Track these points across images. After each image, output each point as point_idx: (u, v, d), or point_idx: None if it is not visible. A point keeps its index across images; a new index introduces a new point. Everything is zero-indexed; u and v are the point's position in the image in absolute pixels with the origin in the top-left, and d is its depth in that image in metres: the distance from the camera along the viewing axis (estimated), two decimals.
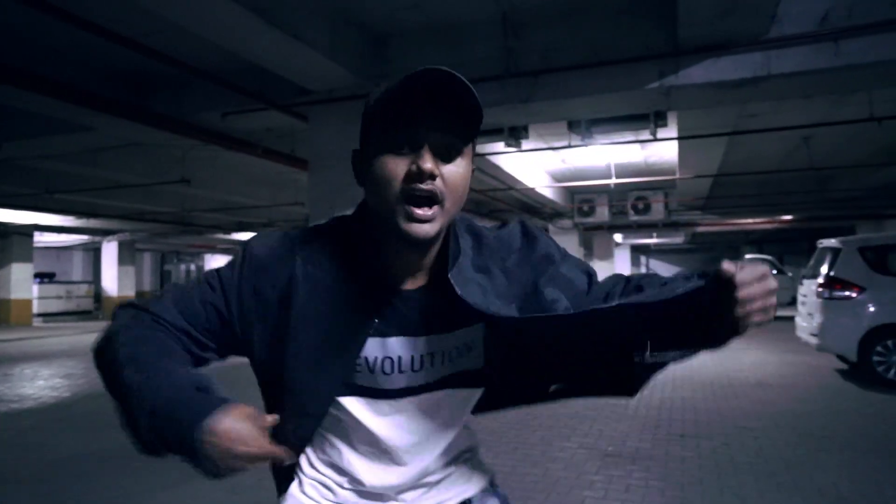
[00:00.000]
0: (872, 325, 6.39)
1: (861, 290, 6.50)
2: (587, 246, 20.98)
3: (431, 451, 1.02)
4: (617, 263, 23.90)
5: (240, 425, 0.80)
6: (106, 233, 21.75)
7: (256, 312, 0.94)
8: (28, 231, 19.61)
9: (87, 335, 14.99)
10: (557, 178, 13.57)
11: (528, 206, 15.57)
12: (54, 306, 21.25)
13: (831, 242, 7.06)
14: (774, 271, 7.59)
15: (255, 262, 0.96)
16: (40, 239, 23.68)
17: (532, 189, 12.35)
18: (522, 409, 1.15)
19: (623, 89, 5.29)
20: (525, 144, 7.46)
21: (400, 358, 0.97)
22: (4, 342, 13.53)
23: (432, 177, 0.86)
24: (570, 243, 16.71)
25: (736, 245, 30.66)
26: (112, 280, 22.96)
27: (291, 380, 0.94)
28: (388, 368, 0.97)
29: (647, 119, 6.40)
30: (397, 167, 0.87)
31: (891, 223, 15.76)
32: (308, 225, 1.03)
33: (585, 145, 8.28)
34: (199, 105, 6.44)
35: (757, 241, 29.97)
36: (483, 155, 8.55)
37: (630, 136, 8.30)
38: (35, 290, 20.18)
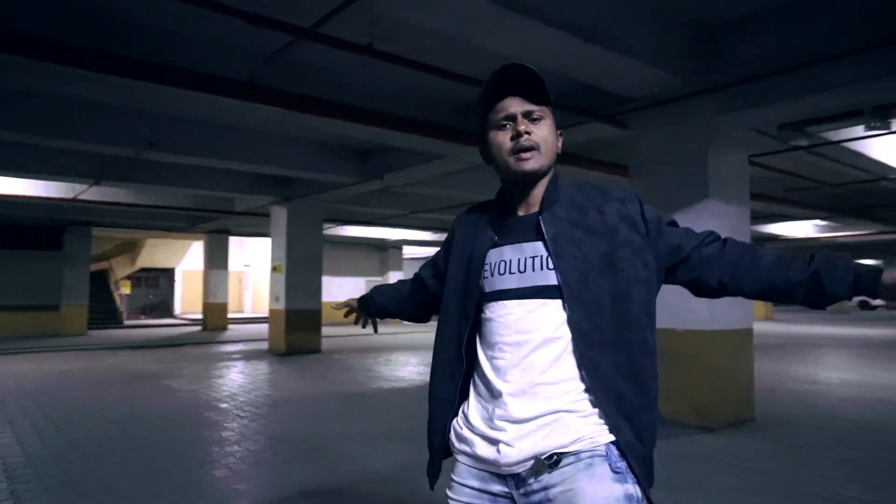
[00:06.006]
0: None
1: None
2: None
3: (535, 359, 1.24)
4: None
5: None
6: None
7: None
8: (399, 245, 24.03)
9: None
10: None
11: None
12: None
13: None
14: None
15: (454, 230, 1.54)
16: (408, 251, 28.55)
17: None
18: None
19: None
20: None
21: (510, 261, 1.32)
22: (387, 335, 16.72)
23: (528, 132, 1.30)
24: None
25: None
26: None
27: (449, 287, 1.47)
28: (502, 269, 1.33)
29: None
30: (505, 137, 1.33)
31: None
32: None
33: None
34: None
35: None
36: (837, 142, 7.27)
37: None
38: None
